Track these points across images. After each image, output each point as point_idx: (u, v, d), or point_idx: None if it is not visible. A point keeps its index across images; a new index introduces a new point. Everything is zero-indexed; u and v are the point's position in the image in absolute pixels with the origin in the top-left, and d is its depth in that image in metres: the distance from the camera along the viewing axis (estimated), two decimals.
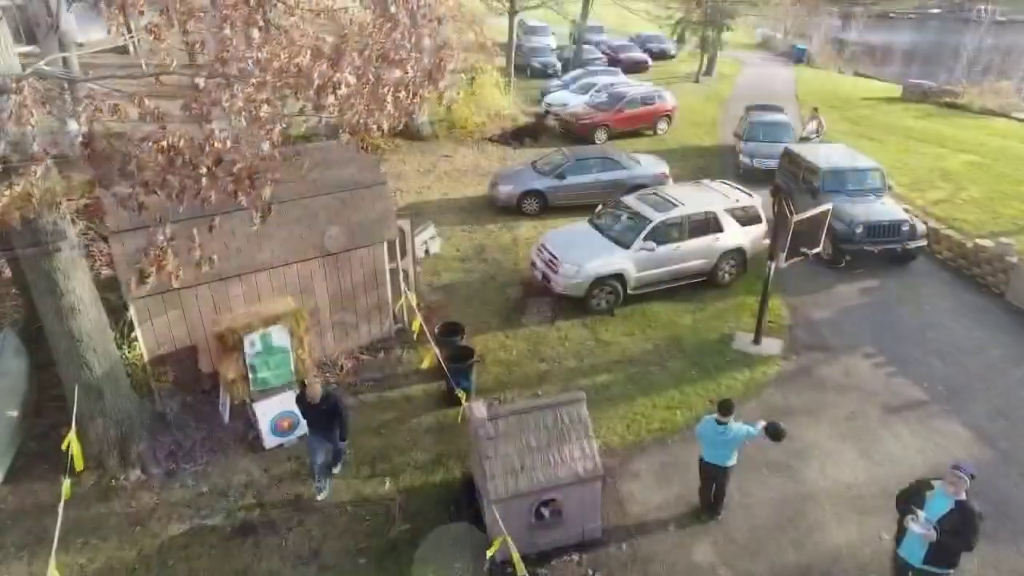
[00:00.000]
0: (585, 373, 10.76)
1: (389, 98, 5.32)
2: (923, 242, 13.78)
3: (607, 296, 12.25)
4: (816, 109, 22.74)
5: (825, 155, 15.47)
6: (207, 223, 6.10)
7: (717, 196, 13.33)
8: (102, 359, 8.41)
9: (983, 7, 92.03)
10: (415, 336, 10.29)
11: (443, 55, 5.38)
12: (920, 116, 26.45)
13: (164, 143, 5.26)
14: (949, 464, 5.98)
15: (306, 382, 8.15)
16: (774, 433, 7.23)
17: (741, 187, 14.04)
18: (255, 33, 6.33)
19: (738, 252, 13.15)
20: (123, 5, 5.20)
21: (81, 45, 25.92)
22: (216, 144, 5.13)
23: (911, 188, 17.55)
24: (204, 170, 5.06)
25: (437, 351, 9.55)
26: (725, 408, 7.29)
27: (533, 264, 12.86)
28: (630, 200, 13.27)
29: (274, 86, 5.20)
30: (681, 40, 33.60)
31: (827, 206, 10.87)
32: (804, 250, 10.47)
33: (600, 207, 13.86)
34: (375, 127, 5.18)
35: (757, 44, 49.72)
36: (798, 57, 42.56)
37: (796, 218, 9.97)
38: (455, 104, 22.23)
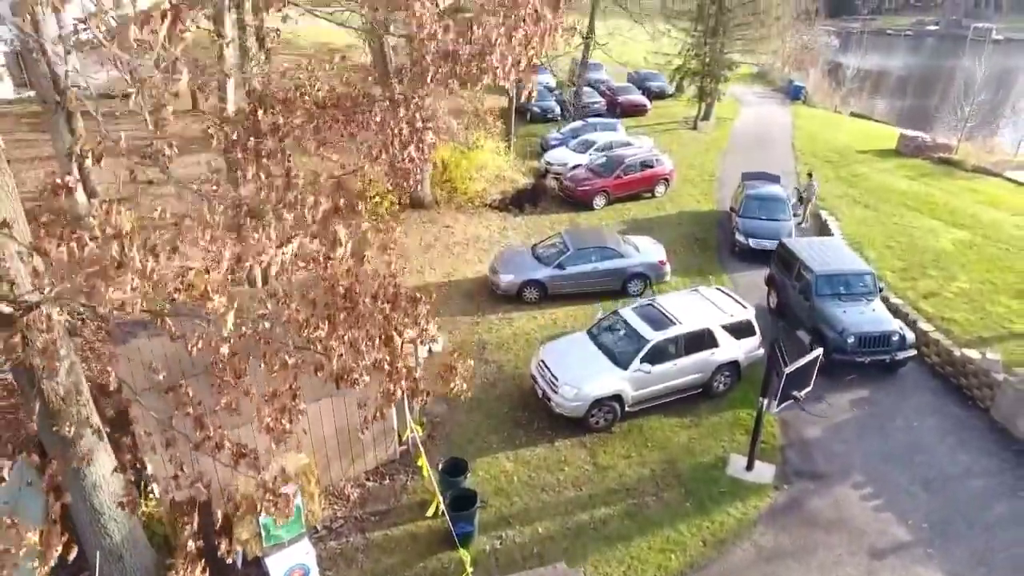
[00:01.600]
0: (583, 506, 11.15)
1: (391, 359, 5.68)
2: (912, 352, 14.19)
3: (605, 415, 12.64)
4: (811, 175, 23.20)
5: (820, 256, 15.82)
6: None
7: (712, 310, 13.71)
8: (122, 526, 8.77)
9: (980, 25, 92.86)
10: (421, 470, 10.73)
11: (455, 360, 5.76)
12: (914, 176, 26.86)
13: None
14: None
15: None
16: None
17: (735, 296, 14.43)
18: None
19: (732, 365, 13.55)
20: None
21: (86, 88, 26.16)
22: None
23: (902, 276, 17.97)
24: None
25: (441, 499, 9.98)
26: None
27: (534, 379, 13.23)
28: (628, 314, 13.64)
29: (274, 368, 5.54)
30: (679, 89, 33.90)
31: (817, 352, 11.27)
32: (795, 394, 10.87)
33: (599, 317, 14.26)
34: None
35: (754, 75, 49.99)
36: (795, 94, 42.93)
37: (788, 369, 10.37)
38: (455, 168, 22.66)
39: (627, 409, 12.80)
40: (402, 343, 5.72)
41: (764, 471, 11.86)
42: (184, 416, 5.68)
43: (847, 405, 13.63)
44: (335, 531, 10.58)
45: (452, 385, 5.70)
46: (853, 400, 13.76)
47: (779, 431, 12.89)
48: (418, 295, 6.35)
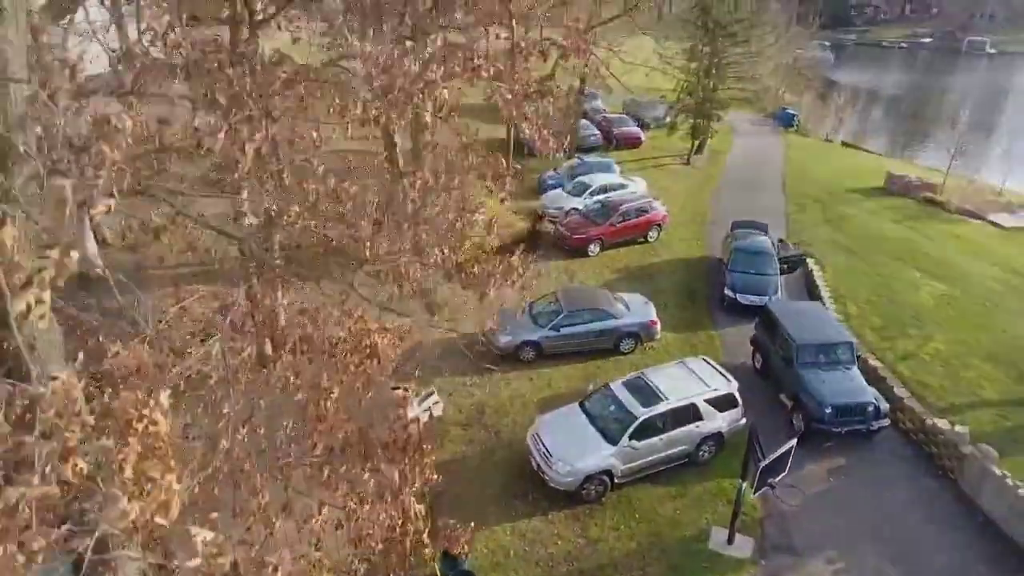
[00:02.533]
0: None
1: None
2: (886, 421, 15.03)
3: (596, 487, 13.47)
4: (782, 240, 24.14)
5: (802, 324, 16.60)
6: None
7: (697, 384, 14.51)
8: None
9: (975, 38, 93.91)
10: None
11: (459, 531, 6.57)
12: (899, 219, 27.74)
13: None
14: None
15: None
16: None
17: (720, 368, 15.26)
18: None
19: (716, 435, 14.38)
20: None
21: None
22: None
23: (882, 335, 18.81)
24: None
25: None
26: None
27: (529, 450, 14.05)
28: (618, 389, 14.45)
29: None
30: (673, 127, 34.71)
31: (791, 443, 12.08)
32: (771, 481, 11.71)
33: (591, 389, 15.12)
34: None
35: (746, 99, 50.73)
36: (787, 122, 43.71)
37: (764, 463, 11.21)
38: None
39: (616, 481, 13.62)
40: (412, 498, 6.51)
41: (744, 545, 12.69)
42: None
43: (824, 474, 14.46)
44: None
45: (457, 550, 6.49)
46: (830, 469, 14.59)
47: (759, 502, 13.69)
48: (424, 445, 7.12)
